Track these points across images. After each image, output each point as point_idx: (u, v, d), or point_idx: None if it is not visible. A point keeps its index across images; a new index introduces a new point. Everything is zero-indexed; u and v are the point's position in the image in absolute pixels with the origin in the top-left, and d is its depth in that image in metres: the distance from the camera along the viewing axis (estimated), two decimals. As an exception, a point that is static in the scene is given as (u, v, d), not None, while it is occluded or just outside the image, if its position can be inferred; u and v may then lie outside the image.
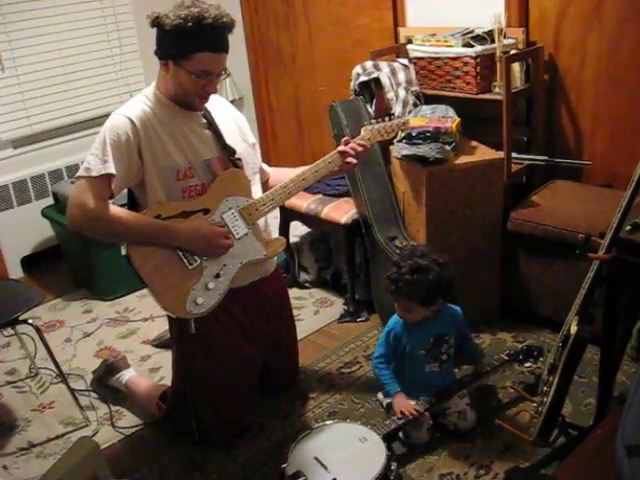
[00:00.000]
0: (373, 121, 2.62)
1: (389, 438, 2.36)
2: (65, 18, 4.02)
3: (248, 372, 2.61)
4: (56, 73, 4.05)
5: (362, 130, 2.60)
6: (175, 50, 2.20)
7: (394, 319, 2.60)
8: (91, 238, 2.35)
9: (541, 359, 2.72)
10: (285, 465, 2.25)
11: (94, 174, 2.18)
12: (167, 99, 2.33)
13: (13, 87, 3.91)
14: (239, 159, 2.44)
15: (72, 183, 3.77)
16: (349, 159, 2.51)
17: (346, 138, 2.56)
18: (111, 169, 2.19)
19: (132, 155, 2.25)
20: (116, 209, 2.23)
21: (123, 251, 2.27)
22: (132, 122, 2.24)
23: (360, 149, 2.53)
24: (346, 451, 2.30)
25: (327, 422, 2.48)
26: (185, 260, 2.28)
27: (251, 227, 2.40)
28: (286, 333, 2.78)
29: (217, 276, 2.32)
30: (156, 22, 2.19)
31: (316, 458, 2.27)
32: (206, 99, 2.34)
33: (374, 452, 2.27)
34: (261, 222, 2.48)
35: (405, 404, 2.44)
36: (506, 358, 2.72)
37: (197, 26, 2.13)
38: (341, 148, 2.51)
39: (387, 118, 2.63)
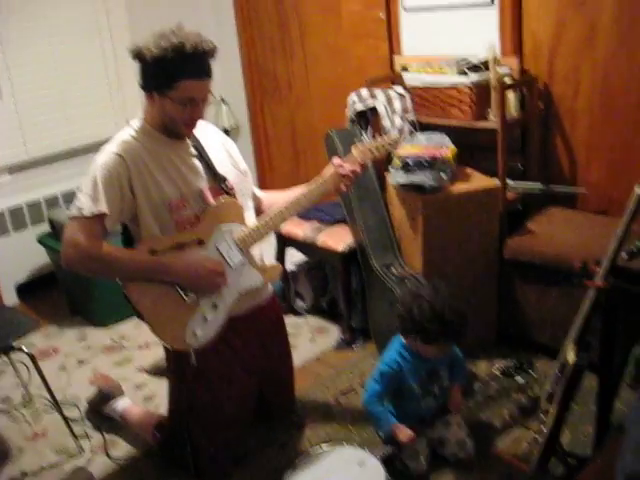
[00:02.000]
0: (363, 139, 2.60)
1: (388, 461, 2.34)
2: (63, 45, 4.05)
3: (245, 403, 2.58)
4: (53, 100, 4.07)
5: (353, 149, 2.54)
6: (158, 81, 2.20)
7: (391, 355, 2.52)
8: (84, 274, 2.33)
9: (531, 371, 2.71)
10: None
11: (86, 213, 2.18)
12: (155, 130, 2.32)
13: (10, 113, 3.93)
14: (231, 187, 2.43)
15: (68, 209, 3.80)
16: (343, 182, 2.45)
17: (336, 158, 2.50)
18: (103, 208, 2.18)
19: (124, 192, 2.24)
20: (110, 248, 2.22)
21: (119, 280, 2.26)
22: (122, 158, 2.23)
23: (352, 167, 2.46)
24: (345, 476, 2.28)
25: (324, 447, 2.44)
26: (182, 293, 2.26)
27: (246, 255, 2.40)
28: (282, 361, 2.76)
29: (215, 306, 2.32)
30: (137, 55, 2.20)
31: None
32: (193, 126, 2.33)
33: (373, 476, 2.25)
34: (256, 249, 2.47)
35: (406, 433, 2.39)
36: (497, 373, 2.70)
37: (178, 55, 2.14)
38: (333, 168, 2.46)
39: (377, 134, 2.61)
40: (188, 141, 2.39)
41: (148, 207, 2.28)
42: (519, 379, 2.81)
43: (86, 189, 2.21)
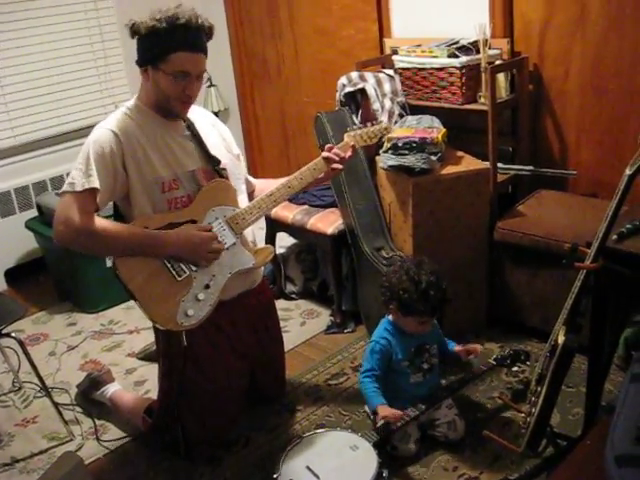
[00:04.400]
0: (355, 127, 2.63)
1: (380, 445, 2.34)
2: (50, 29, 4.01)
3: (235, 386, 2.58)
4: (41, 84, 4.03)
5: (345, 136, 2.60)
6: (152, 53, 2.20)
7: (379, 332, 2.59)
8: (77, 251, 2.33)
9: (528, 363, 2.72)
10: (277, 475, 2.23)
11: (78, 189, 2.16)
12: (150, 109, 2.32)
13: (-3, 98, 3.89)
14: (224, 169, 2.43)
15: (56, 195, 3.77)
16: (334, 165, 2.50)
17: (329, 145, 2.56)
18: (95, 183, 2.17)
19: (116, 168, 2.23)
20: (102, 221, 2.21)
21: (108, 263, 2.25)
22: (116, 135, 2.23)
23: (345, 154, 2.52)
24: (338, 459, 2.28)
25: (318, 431, 2.46)
26: (174, 272, 2.26)
27: (239, 237, 2.39)
28: (273, 345, 2.76)
29: (207, 287, 2.31)
30: (133, 29, 2.21)
31: (308, 467, 2.25)
32: (188, 104, 2.32)
33: (365, 460, 2.25)
34: (248, 232, 2.47)
35: (389, 411, 2.40)
36: (494, 363, 2.71)
37: (171, 27, 2.15)
38: (325, 154, 2.51)
39: (369, 124, 2.64)
40: (182, 123, 2.38)
41: (140, 186, 2.27)
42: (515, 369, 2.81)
43: (79, 165, 2.20)
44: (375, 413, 2.46)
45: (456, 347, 2.67)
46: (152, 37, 2.17)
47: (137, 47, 2.25)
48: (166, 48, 2.17)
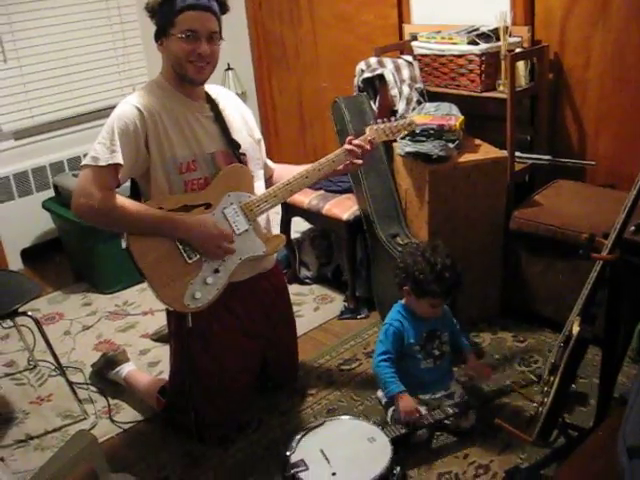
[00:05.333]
0: (379, 121, 2.59)
1: (397, 442, 2.34)
2: (68, 10, 4.00)
3: (247, 367, 2.60)
4: (59, 65, 4.03)
5: (367, 129, 2.57)
6: (163, 22, 2.23)
7: (392, 315, 2.60)
8: (92, 230, 2.34)
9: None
10: (290, 452, 2.26)
11: (102, 163, 2.17)
12: (173, 87, 2.32)
13: (15, 78, 3.90)
14: (243, 154, 2.43)
15: (73, 176, 3.80)
16: (354, 159, 2.49)
17: (350, 137, 2.53)
18: (119, 159, 2.18)
19: (139, 145, 2.24)
20: (121, 199, 2.22)
21: (123, 244, 2.26)
22: (140, 111, 2.23)
23: (367, 147, 2.50)
24: (352, 448, 2.29)
25: (341, 417, 2.49)
26: (185, 254, 2.27)
27: (252, 223, 2.39)
28: (285, 329, 2.77)
29: (216, 271, 2.32)
30: (147, 7, 2.25)
31: (322, 451, 2.27)
32: (202, 68, 2.28)
33: (379, 453, 2.25)
34: (262, 218, 2.47)
35: (410, 407, 2.40)
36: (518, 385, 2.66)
37: None
38: (347, 147, 2.49)
39: (393, 118, 2.61)
40: (206, 103, 2.39)
41: (160, 164, 2.28)
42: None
43: (102, 139, 2.21)
44: (392, 398, 2.47)
45: (469, 361, 2.64)
46: (163, 7, 2.21)
47: (154, 24, 2.29)
48: (174, 12, 2.20)
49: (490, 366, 2.66)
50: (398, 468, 2.24)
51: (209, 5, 2.24)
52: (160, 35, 2.27)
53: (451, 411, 2.44)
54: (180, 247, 2.27)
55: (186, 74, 2.29)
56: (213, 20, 2.26)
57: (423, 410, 2.45)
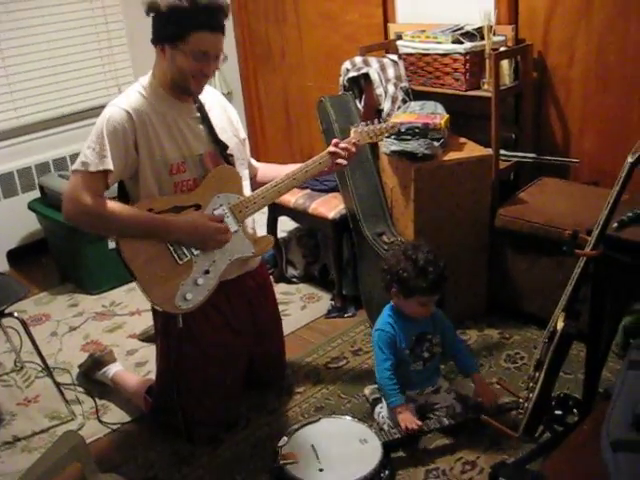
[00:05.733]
0: (362, 123, 2.62)
1: (389, 446, 2.36)
2: (53, 10, 4.00)
3: (234, 365, 2.60)
4: (44, 65, 4.03)
5: (352, 132, 2.60)
6: (171, 32, 2.18)
7: (383, 319, 2.57)
8: (78, 231, 2.33)
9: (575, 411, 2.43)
10: (282, 444, 2.28)
11: (92, 169, 2.17)
12: (163, 89, 2.31)
13: (0, 79, 3.88)
14: (231, 155, 2.43)
15: (59, 176, 3.79)
16: (339, 160, 2.51)
17: (335, 140, 2.55)
18: (109, 165, 2.18)
19: (129, 149, 2.23)
20: (112, 204, 2.22)
21: (111, 245, 2.27)
22: (129, 114, 2.22)
23: (352, 150, 2.53)
24: (343, 448, 2.31)
25: (338, 415, 2.51)
26: (175, 255, 2.27)
27: (241, 224, 2.40)
28: (271, 325, 2.78)
29: (206, 272, 2.32)
30: (152, 6, 2.17)
31: (312, 446, 2.29)
32: (203, 83, 2.30)
33: (369, 455, 2.27)
34: (249, 220, 2.48)
35: (410, 420, 2.40)
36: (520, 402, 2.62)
37: (193, 6, 2.13)
38: (332, 149, 2.51)
39: (377, 120, 2.65)
40: (193, 104, 2.38)
41: (149, 166, 2.27)
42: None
43: (92, 144, 2.20)
44: (393, 410, 2.46)
45: (478, 385, 2.56)
46: (172, 16, 2.14)
47: (153, 25, 2.22)
48: (186, 28, 2.15)
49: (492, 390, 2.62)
50: (387, 472, 2.26)
51: (223, 26, 2.23)
52: (163, 41, 2.22)
53: (447, 422, 2.44)
54: (171, 248, 2.27)
55: (188, 87, 2.29)
56: (222, 39, 2.25)
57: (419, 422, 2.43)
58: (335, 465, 2.23)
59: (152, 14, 2.20)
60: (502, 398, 2.55)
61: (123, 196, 2.40)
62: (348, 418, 2.50)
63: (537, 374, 2.17)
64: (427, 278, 2.42)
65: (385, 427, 2.48)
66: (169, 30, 2.18)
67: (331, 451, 2.28)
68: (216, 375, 2.53)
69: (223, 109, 2.53)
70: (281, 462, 2.23)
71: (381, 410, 2.55)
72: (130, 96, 2.28)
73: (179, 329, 2.34)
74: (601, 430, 1.60)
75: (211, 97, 2.49)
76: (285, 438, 2.32)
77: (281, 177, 2.45)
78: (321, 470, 2.21)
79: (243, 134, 2.61)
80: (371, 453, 2.28)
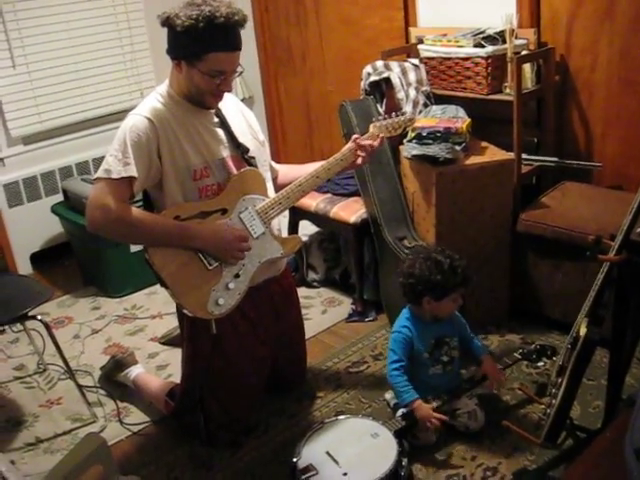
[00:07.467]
0: (380, 117, 2.64)
1: (400, 434, 2.35)
2: (77, 15, 4.02)
3: (258, 372, 2.60)
4: (67, 70, 4.05)
5: (371, 127, 2.61)
6: (187, 51, 2.18)
7: (400, 322, 2.59)
8: (107, 238, 2.33)
9: (554, 358, 2.69)
10: (296, 459, 2.25)
11: (115, 176, 2.17)
12: (180, 98, 2.31)
13: (24, 84, 3.92)
14: (253, 157, 2.44)
15: (82, 180, 3.82)
16: (360, 155, 2.51)
17: (355, 135, 2.56)
18: (133, 172, 2.18)
19: (152, 156, 2.24)
20: (137, 211, 2.22)
21: (133, 249, 2.27)
22: (151, 122, 2.23)
23: (374, 144, 2.53)
24: (358, 446, 2.30)
25: (339, 417, 2.48)
26: (205, 261, 2.27)
27: (268, 226, 2.40)
28: (294, 331, 2.78)
29: (237, 276, 2.32)
30: (167, 22, 2.17)
31: (328, 453, 2.27)
32: (220, 97, 2.32)
33: (385, 448, 2.26)
34: (275, 220, 2.48)
35: (428, 414, 2.40)
36: (519, 357, 2.69)
37: (209, 26, 2.11)
38: (353, 145, 2.52)
39: (394, 114, 2.65)
40: (210, 110, 2.39)
41: (173, 173, 2.28)
42: (540, 365, 2.79)
43: (115, 152, 2.20)
44: (407, 407, 2.45)
45: (485, 363, 2.60)
46: (188, 35, 2.12)
47: (169, 38, 2.21)
48: (203, 48, 2.15)
49: (501, 370, 2.64)
50: (405, 460, 2.26)
51: (239, 44, 2.23)
52: (179, 57, 2.22)
53: (470, 427, 2.47)
54: (200, 254, 2.27)
55: (204, 103, 2.31)
56: (239, 55, 2.25)
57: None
58: (357, 465, 2.22)
59: (167, 29, 2.20)
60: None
61: (148, 207, 2.41)
62: (350, 417, 2.49)
63: (560, 380, 2.15)
64: (457, 273, 2.45)
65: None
66: (185, 49, 2.18)
67: (348, 453, 2.26)
68: (242, 381, 2.54)
69: (241, 113, 2.54)
70: (302, 478, 2.18)
71: (402, 415, 2.54)
72: (150, 104, 2.29)
73: (210, 335, 2.35)
74: (625, 438, 1.58)
75: (228, 101, 2.49)
76: (298, 452, 2.28)
77: (304, 176, 2.45)
78: (345, 474, 2.18)
79: (262, 136, 2.61)
80: (387, 445, 2.28)
